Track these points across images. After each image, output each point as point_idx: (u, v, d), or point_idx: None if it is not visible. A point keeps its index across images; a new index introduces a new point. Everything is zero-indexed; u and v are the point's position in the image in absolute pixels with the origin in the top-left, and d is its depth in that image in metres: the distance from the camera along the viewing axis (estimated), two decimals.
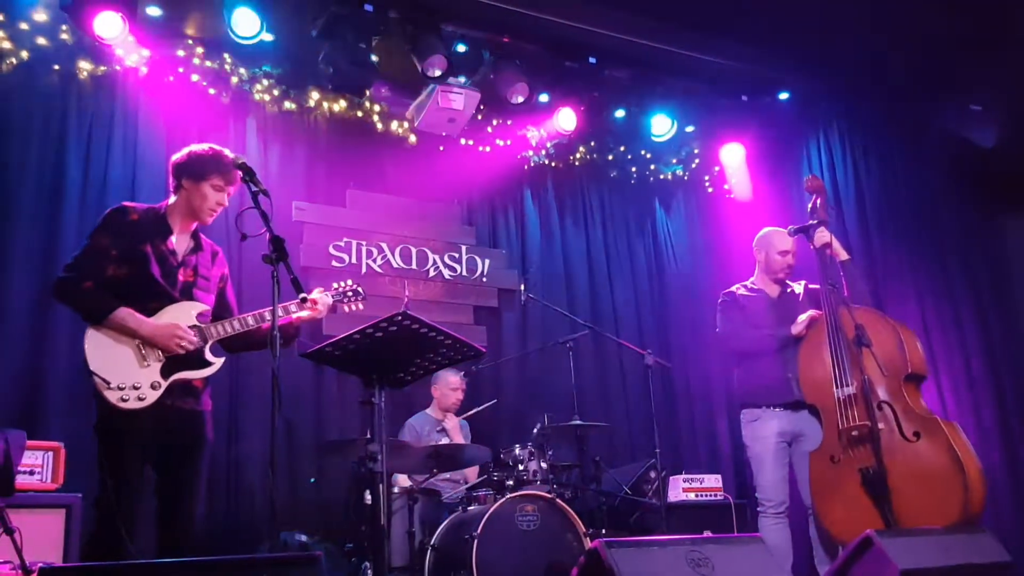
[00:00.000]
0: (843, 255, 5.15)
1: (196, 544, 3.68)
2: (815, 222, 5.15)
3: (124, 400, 3.51)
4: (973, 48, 6.01)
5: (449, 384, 6.15)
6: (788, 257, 5.32)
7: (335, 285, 4.16)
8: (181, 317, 3.70)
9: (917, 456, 4.39)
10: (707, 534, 5.86)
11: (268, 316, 3.74)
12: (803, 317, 5.02)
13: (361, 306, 4.22)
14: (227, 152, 3.89)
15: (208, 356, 3.74)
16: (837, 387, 4.67)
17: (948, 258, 6.34)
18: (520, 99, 6.67)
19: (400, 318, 3.34)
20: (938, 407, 5.19)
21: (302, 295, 3.51)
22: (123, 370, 3.55)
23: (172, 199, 3.88)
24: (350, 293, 4.16)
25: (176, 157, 3.90)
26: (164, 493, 3.67)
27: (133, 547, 3.44)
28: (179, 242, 3.84)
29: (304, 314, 3.86)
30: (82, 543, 3.79)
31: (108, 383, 3.50)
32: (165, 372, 3.61)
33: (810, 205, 5.24)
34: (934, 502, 4.25)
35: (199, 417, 3.77)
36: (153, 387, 3.58)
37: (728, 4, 6.19)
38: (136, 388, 3.54)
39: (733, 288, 5.43)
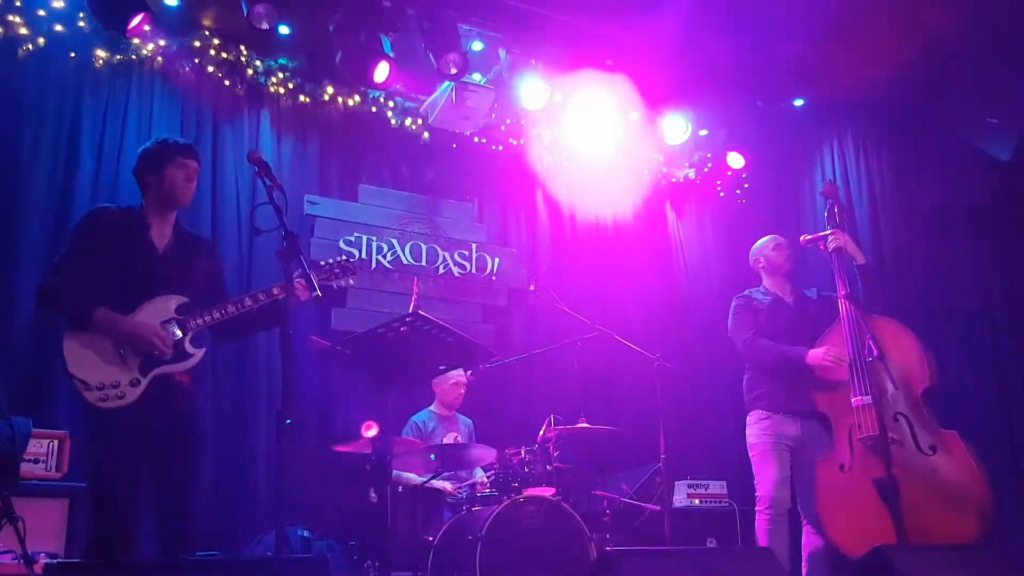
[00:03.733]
0: (860, 258, 5.07)
1: (196, 538, 3.66)
2: (830, 229, 5.10)
3: (104, 400, 3.48)
4: (992, 60, 5.97)
5: (449, 379, 6.11)
6: (784, 248, 5.27)
7: (321, 263, 4.10)
8: (160, 310, 3.66)
9: (934, 470, 4.35)
10: (711, 542, 5.85)
11: (249, 302, 3.75)
12: (821, 350, 4.87)
13: (352, 281, 4.16)
14: (172, 137, 4.00)
15: (188, 348, 3.70)
16: (854, 395, 4.62)
17: (962, 269, 6.30)
18: (535, 99, 6.64)
19: (411, 319, 3.32)
20: (946, 421, 5.14)
21: (315, 293, 3.48)
22: (101, 370, 3.52)
23: (144, 200, 3.87)
24: (337, 270, 4.10)
25: (133, 165, 3.92)
26: (159, 490, 3.65)
27: (133, 545, 3.44)
28: (159, 236, 3.81)
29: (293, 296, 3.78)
30: (85, 542, 3.77)
31: (87, 384, 3.47)
32: (144, 368, 3.58)
33: (827, 211, 5.18)
34: (951, 518, 4.21)
35: (186, 412, 3.73)
36: (132, 384, 3.54)
37: (747, 9, 6.16)
38: (115, 387, 3.50)
39: (748, 292, 5.35)
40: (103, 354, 3.55)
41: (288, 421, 3.17)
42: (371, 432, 4.63)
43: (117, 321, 3.56)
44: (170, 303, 3.71)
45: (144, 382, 3.57)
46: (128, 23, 5.34)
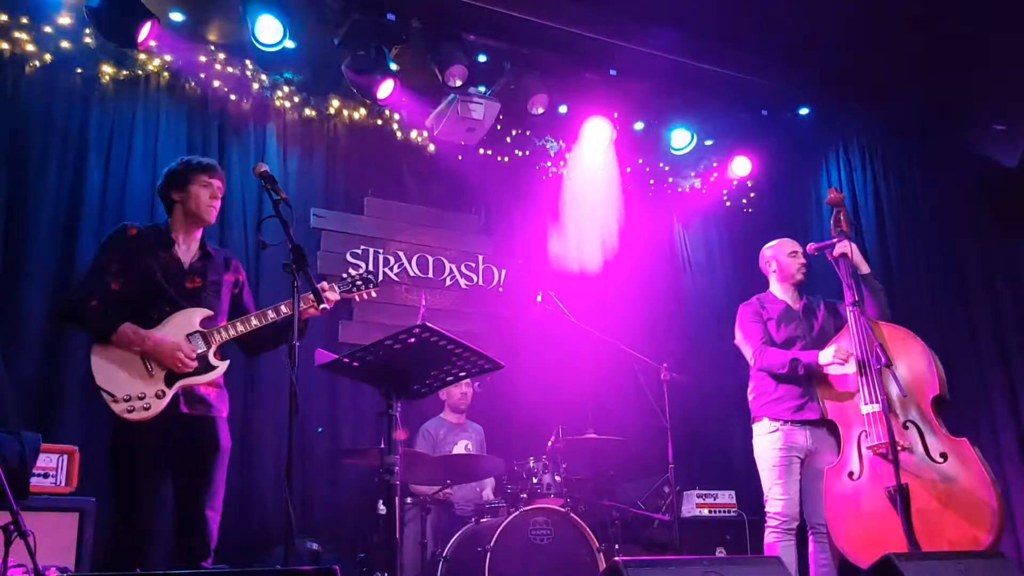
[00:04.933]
0: (864, 268, 5.06)
1: (213, 551, 3.68)
2: (835, 237, 5.08)
3: (130, 411, 3.56)
4: (998, 65, 5.97)
5: None
6: (799, 256, 5.24)
7: (343, 275, 4.15)
8: (185, 323, 3.74)
9: (944, 478, 4.33)
10: (720, 551, 5.83)
11: (272, 315, 3.82)
12: (832, 348, 4.86)
13: (375, 294, 4.21)
14: (196, 156, 4.09)
15: (212, 360, 3.76)
16: (864, 402, 4.60)
17: (968, 277, 6.29)
18: (540, 110, 6.67)
19: (419, 330, 3.31)
20: (957, 429, 5.12)
21: (323, 306, 3.51)
22: (128, 382, 3.61)
23: (170, 218, 3.97)
24: (360, 283, 4.14)
25: (158, 184, 4.02)
26: (180, 501, 3.69)
27: (151, 555, 3.46)
28: (186, 252, 3.91)
29: (311, 310, 3.83)
30: (104, 550, 3.80)
31: (114, 396, 3.56)
32: (169, 380, 3.65)
33: (832, 218, 5.17)
34: (961, 526, 4.18)
35: (211, 424, 3.78)
36: (158, 396, 3.61)
37: (750, 18, 6.17)
38: (141, 398, 3.58)
39: (755, 299, 5.32)
40: (129, 367, 3.63)
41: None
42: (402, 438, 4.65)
43: (140, 337, 3.63)
44: (195, 316, 3.78)
45: (169, 394, 3.64)
46: (136, 36, 5.38)
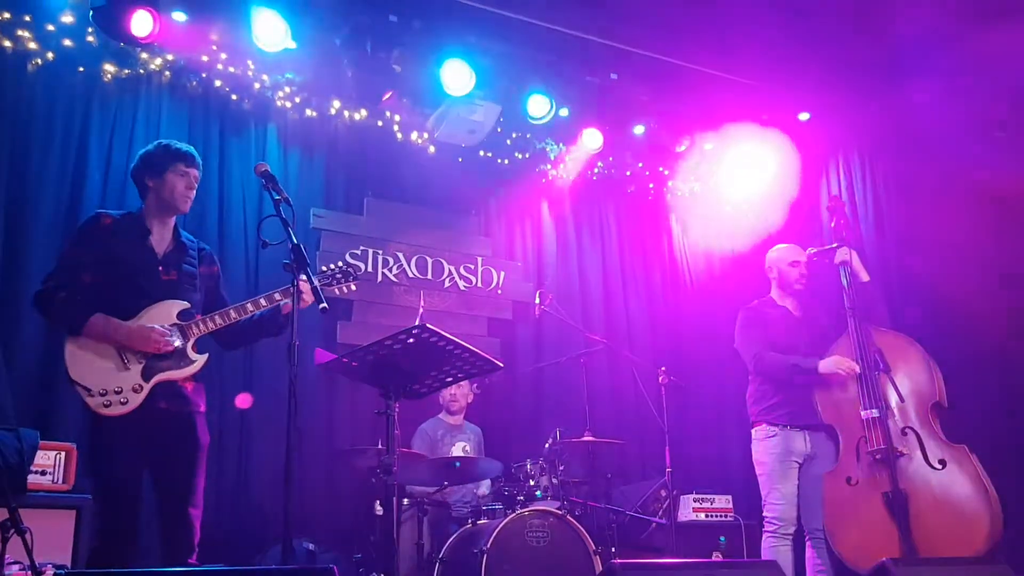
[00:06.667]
0: (864, 276, 5.09)
1: (202, 549, 3.66)
2: (835, 244, 5.11)
3: (106, 406, 3.49)
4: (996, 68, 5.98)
5: None
6: (801, 267, 5.26)
7: (322, 268, 4.11)
8: (162, 316, 3.67)
9: (942, 485, 4.35)
10: (717, 556, 5.83)
11: (251, 308, 3.78)
12: (833, 359, 4.87)
13: (353, 287, 4.17)
14: (174, 142, 3.95)
15: (190, 354, 3.72)
16: (863, 408, 4.62)
17: (969, 283, 6.27)
18: (540, 113, 6.67)
19: (418, 331, 3.32)
20: (956, 434, 5.13)
21: (322, 306, 3.46)
22: (103, 376, 3.53)
23: (144, 204, 3.89)
24: (339, 275, 4.10)
25: (132, 166, 3.93)
26: (161, 499, 3.66)
27: (136, 553, 3.44)
28: (159, 242, 3.83)
29: (289, 301, 3.76)
30: (89, 551, 3.78)
31: (89, 390, 3.49)
32: (146, 374, 3.59)
33: (832, 224, 5.20)
34: (959, 532, 4.20)
35: (189, 419, 3.73)
36: (135, 390, 3.55)
37: (751, 23, 6.18)
38: (118, 392, 3.51)
39: (755, 303, 5.34)
40: (105, 360, 3.56)
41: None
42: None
43: (112, 328, 3.56)
44: (172, 309, 3.72)
45: (147, 388, 3.57)
46: (129, 27, 5.38)
